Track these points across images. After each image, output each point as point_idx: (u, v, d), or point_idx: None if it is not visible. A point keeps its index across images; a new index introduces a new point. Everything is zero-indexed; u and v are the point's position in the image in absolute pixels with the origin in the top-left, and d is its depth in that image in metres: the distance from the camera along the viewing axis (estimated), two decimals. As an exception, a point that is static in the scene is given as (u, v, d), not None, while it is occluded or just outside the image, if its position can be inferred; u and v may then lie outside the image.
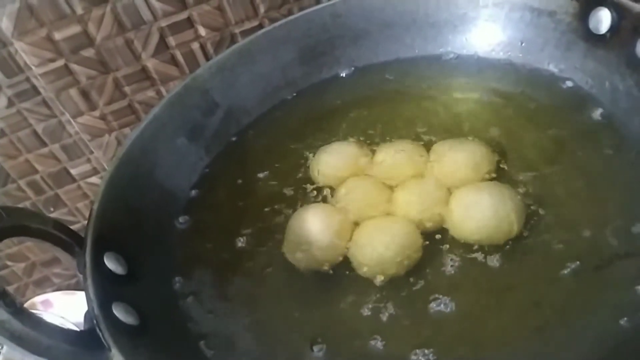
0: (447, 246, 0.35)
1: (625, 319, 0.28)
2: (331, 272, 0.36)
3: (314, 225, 0.37)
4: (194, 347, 0.33)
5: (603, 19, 0.39)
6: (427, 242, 0.36)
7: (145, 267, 0.37)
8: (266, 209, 0.41)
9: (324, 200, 0.40)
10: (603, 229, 0.33)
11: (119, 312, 0.31)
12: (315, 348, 0.32)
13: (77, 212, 0.70)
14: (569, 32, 0.41)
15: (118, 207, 0.38)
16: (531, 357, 0.30)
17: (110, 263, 0.34)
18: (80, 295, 0.66)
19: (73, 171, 0.66)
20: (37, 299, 0.73)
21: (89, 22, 0.49)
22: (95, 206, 0.36)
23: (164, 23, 0.51)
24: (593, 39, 0.40)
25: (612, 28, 0.38)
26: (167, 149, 0.43)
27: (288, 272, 0.37)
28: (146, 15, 0.50)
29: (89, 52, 0.51)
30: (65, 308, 0.73)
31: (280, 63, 0.49)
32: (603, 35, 0.39)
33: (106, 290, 0.32)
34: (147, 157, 0.41)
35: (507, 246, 0.34)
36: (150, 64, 0.53)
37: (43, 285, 0.77)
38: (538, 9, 0.43)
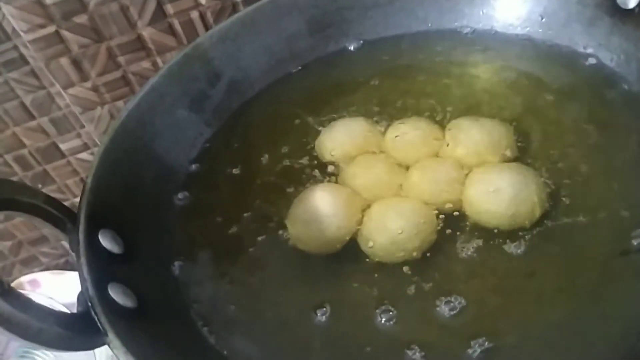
0: (464, 229, 0.33)
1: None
2: (338, 253, 0.34)
3: (321, 207, 0.35)
4: (195, 331, 0.31)
5: (632, -9, 0.37)
6: (443, 225, 0.34)
7: (143, 246, 0.34)
8: (269, 187, 0.39)
9: (331, 179, 0.38)
10: (627, 212, 0.31)
11: (116, 293, 0.29)
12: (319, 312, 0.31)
13: (67, 189, 0.67)
14: (593, 7, 0.39)
15: (113, 182, 0.35)
16: (554, 346, 0.28)
17: (106, 241, 0.32)
18: (70, 275, 0.64)
19: (62, 146, 0.63)
20: (24, 278, 0.70)
21: (82, -14, 0.46)
22: (89, 179, 0.34)
23: (162, -12, 0.48)
24: (620, 13, 0.38)
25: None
26: (166, 121, 0.40)
27: (292, 253, 0.35)
28: (143, -21, 0.47)
29: (81, 19, 0.48)
30: (54, 288, 0.70)
31: (285, 34, 0.46)
32: (631, 10, 0.37)
33: (101, 270, 0.30)
34: (144, 129, 0.39)
35: (528, 230, 0.32)
36: (147, 32, 0.50)
37: (30, 264, 0.74)
38: (561, -19, 0.41)
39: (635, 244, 0.30)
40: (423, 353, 0.29)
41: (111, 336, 0.26)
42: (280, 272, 0.34)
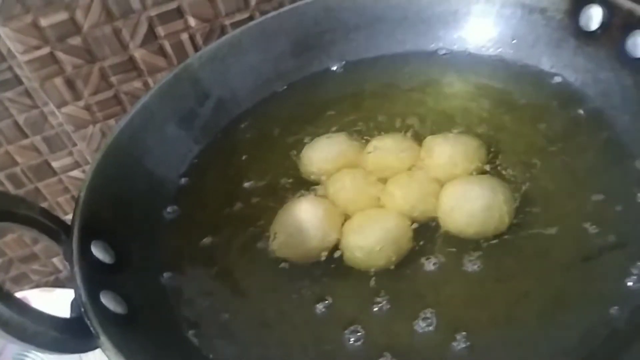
0: (438, 238, 0.35)
1: (616, 307, 0.29)
2: (320, 262, 0.36)
3: (303, 218, 0.37)
4: (183, 337, 0.33)
5: (594, 15, 0.39)
6: (418, 235, 0.36)
7: (134, 257, 0.36)
8: (255, 202, 0.41)
9: (314, 193, 0.40)
10: (591, 222, 0.33)
11: (107, 300, 0.31)
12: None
13: (58, 207, 0.68)
14: (560, 29, 0.42)
15: (105, 195, 0.37)
16: (520, 347, 0.30)
17: (98, 251, 0.34)
18: (59, 293, 0.65)
19: (54, 164, 0.64)
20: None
21: (77, 9, 0.48)
22: (83, 193, 0.35)
23: (153, 12, 0.50)
24: (583, 35, 0.40)
25: (603, 25, 0.39)
26: (156, 138, 0.42)
27: (277, 264, 0.36)
28: (135, 3, 0.49)
29: (75, 40, 0.50)
30: (44, 305, 0.71)
31: (271, 55, 0.49)
32: (593, 32, 0.40)
33: (94, 279, 0.31)
34: (136, 146, 0.41)
35: (497, 239, 0.34)
36: (138, 54, 0.52)
37: (20, 282, 0.75)
38: (529, 6, 0.43)
39: (596, 250, 0.32)
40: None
41: (103, 339, 0.27)
42: (264, 281, 0.36)
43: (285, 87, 0.49)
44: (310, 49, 0.50)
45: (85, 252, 0.32)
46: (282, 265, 0.36)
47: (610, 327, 0.28)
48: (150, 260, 0.37)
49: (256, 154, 0.44)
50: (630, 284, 0.30)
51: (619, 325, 0.28)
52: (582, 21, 0.40)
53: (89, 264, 0.32)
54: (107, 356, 0.27)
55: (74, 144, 0.62)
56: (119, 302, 0.31)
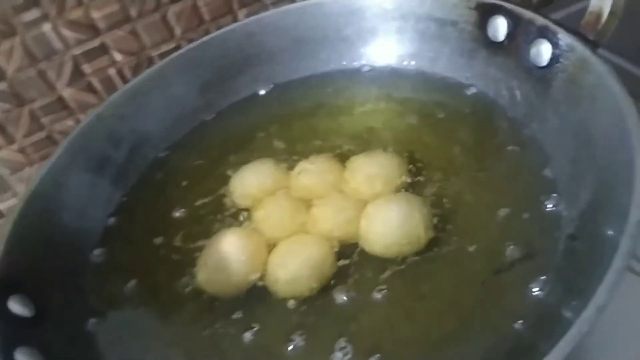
0: (360, 260, 0.36)
1: (520, 322, 0.29)
2: (248, 293, 0.36)
3: (227, 252, 0.37)
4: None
5: (500, 26, 0.40)
6: (342, 257, 0.36)
7: (57, 307, 0.36)
8: (184, 236, 0.41)
9: (243, 222, 0.40)
10: (504, 234, 0.34)
11: (23, 356, 0.31)
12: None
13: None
14: (471, 41, 0.42)
15: (27, 247, 0.37)
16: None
17: (16, 306, 0.33)
18: None
19: (0, 206, 0.63)
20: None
21: (-2, 56, 0.48)
22: (1, 247, 0.35)
23: (76, 51, 0.50)
24: (493, 46, 0.41)
25: (509, 35, 0.40)
26: (79, 182, 0.42)
27: (205, 303, 0.36)
28: (57, 45, 0.49)
29: (1, 86, 0.50)
30: None
31: (197, 85, 0.49)
32: (501, 43, 0.40)
33: (9, 336, 0.31)
34: (58, 193, 0.40)
35: (416, 256, 0.35)
36: (67, 93, 0.52)
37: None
38: (442, 19, 0.44)
39: (507, 262, 0.33)
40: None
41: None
42: (191, 319, 0.36)
43: (214, 115, 0.49)
44: (237, 75, 0.50)
45: (1, 310, 0.32)
46: (212, 302, 0.36)
47: (513, 341, 0.29)
48: (75, 309, 0.36)
49: (186, 185, 0.44)
50: (534, 294, 0.30)
51: (522, 338, 0.28)
52: (490, 32, 0.41)
53: (5, 321, 0.32)
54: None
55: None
56: (36, 356, 0.31)
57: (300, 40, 0.49)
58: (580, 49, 0.34)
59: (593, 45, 0.34)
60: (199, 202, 0.43)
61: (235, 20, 0.53)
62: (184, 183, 0.45)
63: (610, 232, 0.27)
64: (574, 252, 0.31)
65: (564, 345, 0.22)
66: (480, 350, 0.29)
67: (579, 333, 0.22)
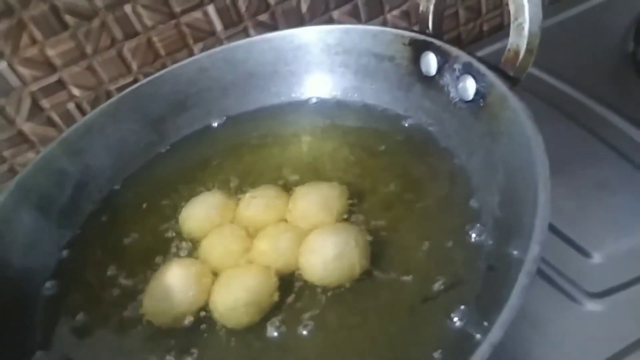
0: (300, 289, 0.37)
1: (440, 351, 0.31)
2: (190, 326, 0.37)
3: (172, 282, 0.38)
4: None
5: (431, 62, 0.42)
6: (283, 287, 0.37)
7: (4, 341, 0.37)
8: (134, 270, 0.42)
9: (190, 254, 0.41)
10: (435, 262, 0.36)
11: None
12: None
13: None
14: (407, 75, 0.45)
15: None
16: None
17: (-38, 342, 0.34)
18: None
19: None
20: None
21: (-46, 93, 0.49)
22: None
23: (34, 87, 0.52)
24: (426, 80, 0.43)
25: (439, 70, 0.42)
26: (31, 218, 0.43)
27: (152, 332, 0.37)
28: (14, 81, 0.51)
29: (-40, 122, 0.51)
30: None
31: (151, 118, 0.51)
32: (433, 77, 0.43)
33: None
34: (8, 228, 0.42)
35: (354, 285, 0.36)
36: (27, 127, 0.54)
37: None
38: (380, 55, 0.46)
39: (434, 291, 0.34)
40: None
41: None
42: (134, 349, 0.37)
43: (168, 147, 0.51)
44: (190, 108, 0.52)
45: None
46: (159, 332, 0.37)
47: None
48: (23, 342, 0.37)
49: (138, 219, 0.46)
50: (454, 324, 0.32)
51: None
52: (423, 67, 0.43)
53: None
54: None
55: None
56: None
57: (250, 74, 0.51)
58: (500, 85, 0.36)
59: (513, 81, 0.37)
60: (149, 233, 0.44)
61: (190, 54, 0.55)
62: (136, 214, 0.46)
63: (516, 253, 0.29)
64: (492, 281, 0.32)
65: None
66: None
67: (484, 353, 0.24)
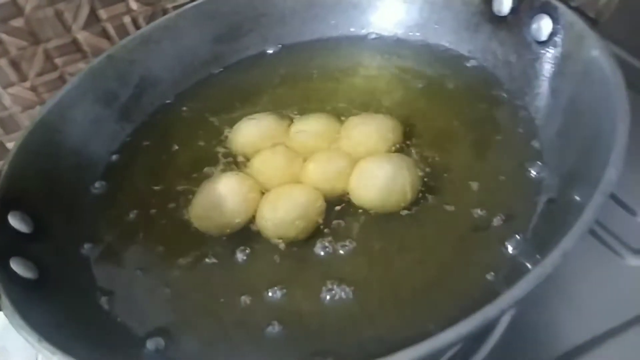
0: (348, 212, 0.37)
1: (492, 273, 0.30)
2: (238, 234, 0.37)
3: (221, 192, 0.38)
4: (95, 304, 0.34)
5: (504, 1, 0.41)
6: (330, 208, 0.37)
7: (55, 228, 0.37)
8: (182, 179, 0.42)
9: (240, 169, 0.41)
10: (490, 196, 0.35)
11: (17, 266, 0.32)
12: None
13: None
14: (477, 15, 0.43)
15: (29, 170, 0.38)
16: (407, 308, 0.31)
17: (15, 221, 0.35)
18: None
19: (9, 145, 0.65)
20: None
21: (18, -9, 0.49)
22: (5, 167, 0.37)
23: (94, -5, 0.52)
24: (497, 20, 0.42)
25: (512, 10, 0.41)
26: (86, 117, 0.44)
27: (196, 238, 0.38)
28: (75, -14, 0.50)
29: (18, 22, 0.51)
30: None
31: (208, 38, 0.50)
32: (505, 17, 0.41)
33: (7, 245, 0.33)
34: (64, 123, 0.42)
35: (402, 212, 0.36)
36: (81, 36, 0.54)
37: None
38: (450, -9, 0.45)
39: (486, 222, 0.34)
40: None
41: (3, 298, 0.29)
42: (184, 255, 0.37)
43: (221, 69, 0.51)
44: (247, 33, 0.51)
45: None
46: (203, 238, 0.37)
47: (483, 289, 0.30)
48: (72, 232, 0.38)
49: (189, 133, 0.46)
50: (509, 252, 0.31)
51: (491, 287, 0.30)
52: (495, 7, 0.42)
53: (2, 232, 0.33)
54: (5, 315, 0.28)
55: (27, 125, 0.63)
56: (30, 267, 0.33)
57: (312, 3, 0.50)
58: (580, 24, 0.35)
59: (592, 22, 0.35)
60: (199, 150, 0.44)
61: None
62: (187, 131, 0.46)
63: (578, 199, 0.28)
64: (550, 216, 0.32)
65: (522, 285, 0.23)
66: (453, 295, 0.30)
67: (535, 279, 0.23)
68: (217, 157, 0.43)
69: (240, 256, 0.36)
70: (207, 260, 0.36)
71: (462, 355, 0.35)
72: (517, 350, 0.35)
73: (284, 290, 0.33)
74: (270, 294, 0.33)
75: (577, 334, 0.35)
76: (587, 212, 0.25)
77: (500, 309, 0.23)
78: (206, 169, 0.42)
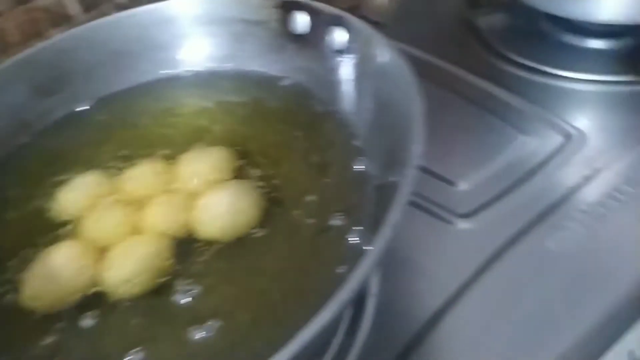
0: (200, 248, 0.36)
1: (343, 266, 0.32)
2: (81, 306, 0.34)
3: (56, 265, 0.35)
4: None
5: (300, 21, 0.44)
6: (182, 248, 0.36)
7: None
8: (9, 264, 0.38)
9: (74, 237, 0.39)
10: (328, 198, 0.37)
11: None
12: None
13: None
14: (278, 37, 0.46)
15: None
16: (278, 325, 0.32)
17: None
18: None
19: None
20: None
21: None
22: None
23: None
24: (297, 39, 0.45)
25: (309, 27, 0.44)
26: None
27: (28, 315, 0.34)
28: None
29: None
30: None
31: (11, 105, 0.46)
32: (303, 35, 0.45)
33: None
34: None
35: (254, 233, 0.36)
36: None
37: None
38: (251, 21, 0.47)
39: (328, 222, 0.36)
40: None
41: None
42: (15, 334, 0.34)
43: (32, 136, 0.47)
44: (55, 93, 0.48)
45: None
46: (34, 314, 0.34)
47: (336, 283, 0.31)
48: None
49: (8, 211, 0.42)
50: (352, 243, 0.34)
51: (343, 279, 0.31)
52: (294, 27, 0.45)
53: None
54: None
55: None
56: None
57: (118, 53, 0.49)
58: (367, 30, 0.39)
59: (378, 25, 0.40)
60: (23, 229, 0.40)
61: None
62: (2, 206, 0.42)
63: (397, 179, 0.31)
64: (379, 201, 0.35)
65: (365, 264, 0.25)
66: (315, 295, 0.31)
67: (374, 255, 0.25)
68: (45, 232, 0.39)
69: (87, 323, 0.33)
70: (48, 339, 0.33)
71: (340, 352, 0.36)
72: (389, 329, 0.38)
73: (145, 352, 0.32)
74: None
75: (434, 299, 0.39)
76: (403, 186, 0.27)
77: (351, 289, 0.24)
78: (35, 247, 0.38)
